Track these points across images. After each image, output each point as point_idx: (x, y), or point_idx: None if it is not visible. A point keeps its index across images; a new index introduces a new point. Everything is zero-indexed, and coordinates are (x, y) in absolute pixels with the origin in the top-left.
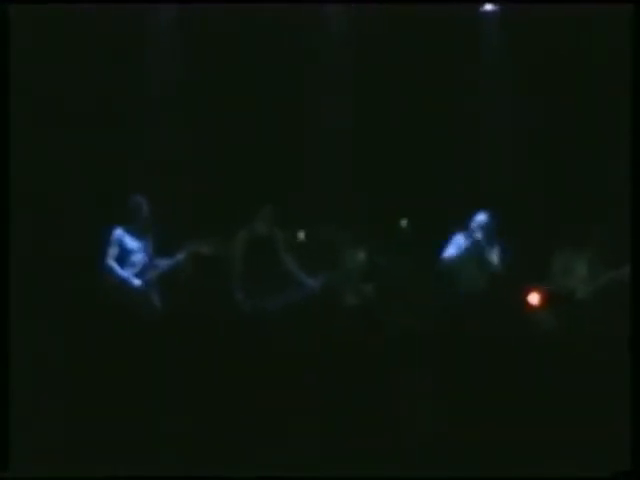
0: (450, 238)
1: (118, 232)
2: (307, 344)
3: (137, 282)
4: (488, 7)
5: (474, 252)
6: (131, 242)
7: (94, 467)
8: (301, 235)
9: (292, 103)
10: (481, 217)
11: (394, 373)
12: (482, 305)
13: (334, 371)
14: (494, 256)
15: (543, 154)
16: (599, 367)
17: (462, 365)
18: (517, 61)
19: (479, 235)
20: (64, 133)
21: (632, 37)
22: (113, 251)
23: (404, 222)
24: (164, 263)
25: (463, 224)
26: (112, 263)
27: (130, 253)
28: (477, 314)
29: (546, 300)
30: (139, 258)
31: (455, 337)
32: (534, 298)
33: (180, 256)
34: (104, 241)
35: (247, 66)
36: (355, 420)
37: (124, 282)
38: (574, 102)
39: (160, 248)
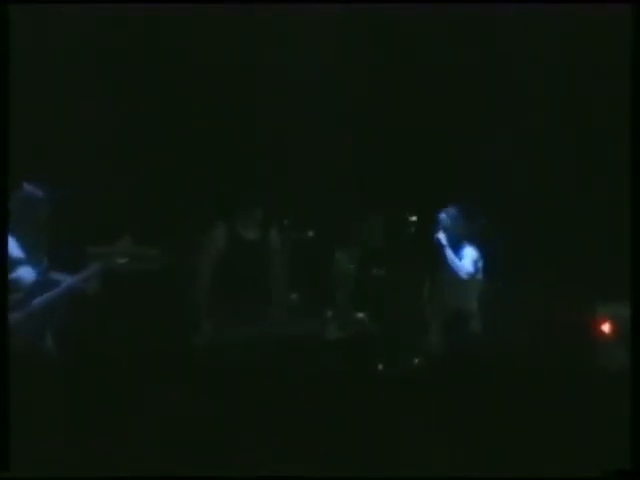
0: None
1: None
2: (289, 386)
3: (22, 310)
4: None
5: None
6: (16, 250)
7: (94, 467)
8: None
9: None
10: (443, 215)
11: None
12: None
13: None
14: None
15: (541, 155)
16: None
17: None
18: (515, 61)
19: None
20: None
21: (632, 37)
22: None
23: (411, 218)
24: (66, 282)
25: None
26: None
27: (13, 267)
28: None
29: (615, 330)
30: (27, 274)
31: (473, 381)
32: (607, 327)
33: (89, 271)
34: None
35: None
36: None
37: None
38: (573, 102)
39: (61, 260)
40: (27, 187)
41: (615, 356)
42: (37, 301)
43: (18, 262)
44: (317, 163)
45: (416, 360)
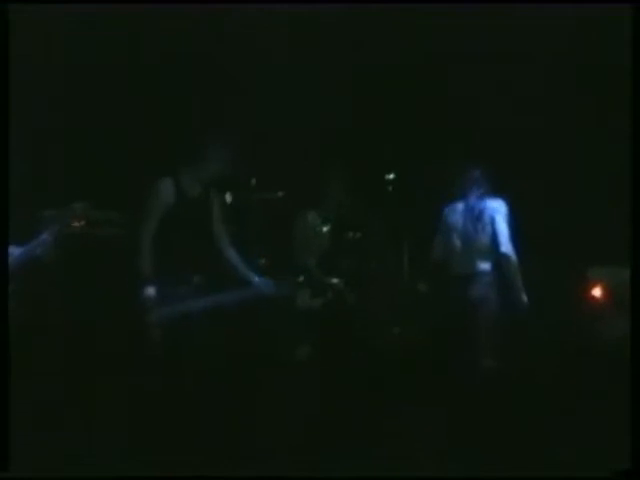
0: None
1: None
2: (254, 366)
3: None
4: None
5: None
6: None
7: (94, 467)
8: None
9: None
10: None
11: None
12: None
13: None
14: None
15: (541, 154)
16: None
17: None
18: (515, 61)
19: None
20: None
21: (632, 37)
22: None
23: (390, 176)
24: (21, 250)
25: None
26: None
27: None
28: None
29: (608, 295)
30: None
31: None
32: (597, 291)
33: (45, 236)
34: None
35: None
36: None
37: None
38: (573, 102)
39: (18, 228)
40: None
41: (614, 328)
42: None
43: None
44: (289, 125)
45: (397, 331)
